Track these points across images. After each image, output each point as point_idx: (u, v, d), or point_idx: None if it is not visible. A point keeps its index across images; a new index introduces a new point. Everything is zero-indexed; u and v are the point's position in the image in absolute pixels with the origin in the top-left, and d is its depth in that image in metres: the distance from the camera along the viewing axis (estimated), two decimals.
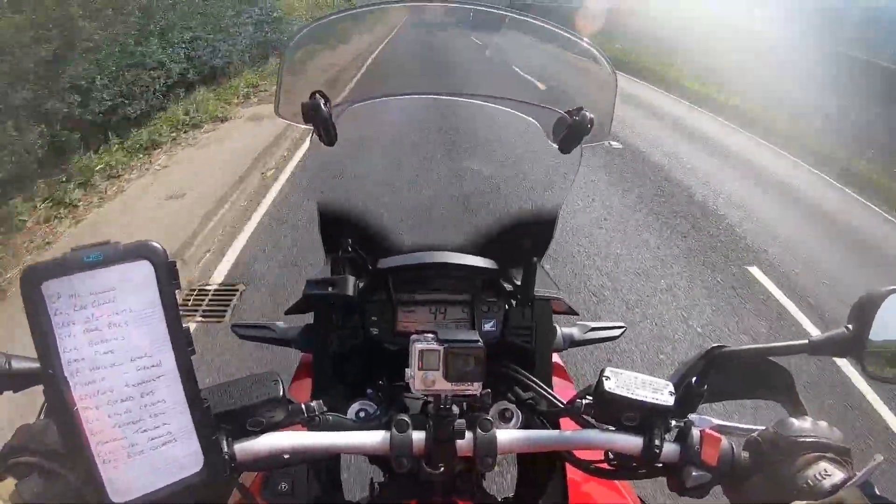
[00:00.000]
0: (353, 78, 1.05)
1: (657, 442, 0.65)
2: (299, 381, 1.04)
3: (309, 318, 0.94)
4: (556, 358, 1.06)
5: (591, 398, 0.69)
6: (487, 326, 0.90)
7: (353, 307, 0.87)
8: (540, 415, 0.79)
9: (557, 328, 0.97)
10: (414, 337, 0.66)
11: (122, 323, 0.52)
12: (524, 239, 0.93)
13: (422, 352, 0.65)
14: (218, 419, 0.60)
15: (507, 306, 0.91)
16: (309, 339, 0.94)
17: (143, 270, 0.52)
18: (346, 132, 0.84)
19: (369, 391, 0.80)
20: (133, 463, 0.54)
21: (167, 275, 0.52)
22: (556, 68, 1.05)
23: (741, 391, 0.81)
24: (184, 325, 0.53)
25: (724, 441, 0.65)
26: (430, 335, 0.66)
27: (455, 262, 0.90)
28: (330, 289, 0.84)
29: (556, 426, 0.78)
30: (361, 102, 0.90)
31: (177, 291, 0.53)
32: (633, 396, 0.66)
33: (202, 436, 0.56)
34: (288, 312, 0.95)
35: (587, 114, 0.83)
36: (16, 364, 0.64)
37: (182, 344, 0.54)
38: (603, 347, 3.00)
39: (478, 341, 0.65)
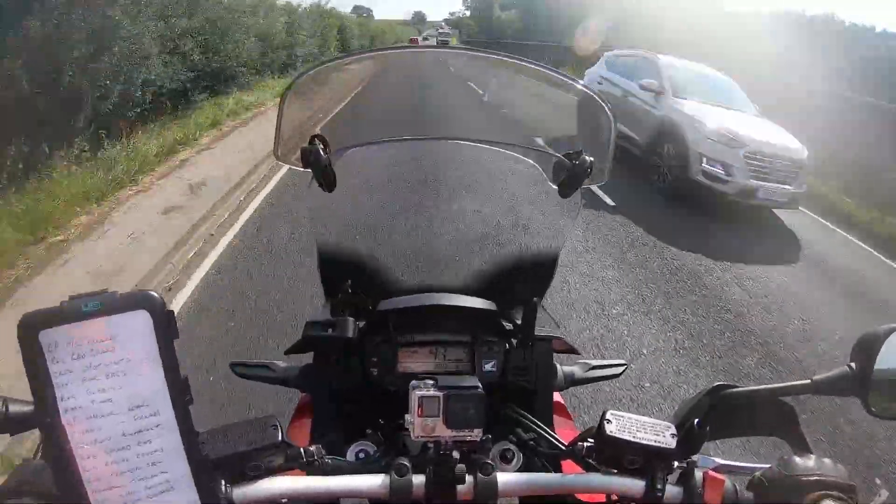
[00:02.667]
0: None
1: (659, 485, 0.64)
2: (299, 421, 1.03)
3: (308, 357, 0.94)
4: (557, 397, 1.05)
5: (592, 441, 0.68)
6: (488, 367, 0.89)
7: (352, 348, 0.87)
8: (541, 456, 0.78)
9: (558, 367, 0.96)
10: (413, 383, 0.66)
11: (120, 372, 0.52)
12: (524, 280, 0.94)
13: (421, 398, 0.64)
14: (216, 464, 0.59)
15: (507, 346, 0.90)
16: (309, 379, 0.94)
17: (140, 320, 0.52)
18: (346, 176, 0.85)
19: (369, 432, 0.79)
20: None
21: (165, 325, 0.52)
22: (554, 111, 1.06)
23: (745, 429, 0.80)
24: (182, 375, 0.53)
25: (728, 482, 0.64)
26: (430, 381, 0.66)
27: (454, 304, 0.90)
28: (330, 330, 0.83)
29: (558, 468, 0.77)
30: (360, 146, 0.90)
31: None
32: (635, 440, 0.65)
33: (200, 484, 0.55)
34: (288, 352, 0.95)
35: (587, 158, 0.83)
36: (13, 408, 0.63)
37: (180, 394, 0.53)
38: None
39: (477, 387, 0.65)
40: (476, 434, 0.65)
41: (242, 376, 0.98)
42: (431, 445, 0.66)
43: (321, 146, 0.81)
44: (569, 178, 0.86)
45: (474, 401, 0.65)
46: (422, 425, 0.65)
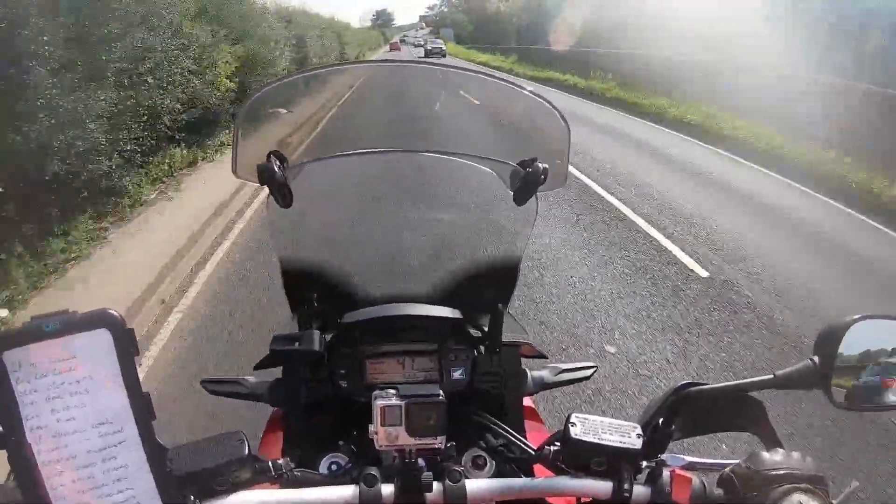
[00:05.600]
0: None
1: (626, 486, 0.65)
2: (270, 435, 1.03)
3: (279, 371, 0.94)
4: (528, 402, 1.06)
5: (559, 444, 0.69)
6: (456, 374, 0.90)
7: (320, 361, 0.88)
8: (512, 462, 0.79)
9: (527, 372, 0.97)
10: (376, 393, 0.67)
11: (84, 390, 0.53)
12: (488, 286, 0.95)
13: (383, 408, 0.65)
14: (183, 480, 0.60)
15: (475, 353, 0.91)
16: (279, 393, 0.94)
17: (102, 339, 0.52)
18: (304, 191, 0.86)
19: (341, 443, 0.80)
20: None
21: (126, 342, 0.53)
22: (509, 120, 1.08)
23: (713, 426, 0.81)
24: (143, 392, 0.54)
25: (696, 479, 0.65)
26: (392, 391, 0.67)
27: (420, 314, 0.91)
28: (296, 344, 0.84)
29: (530, 472, 0.78)
30: (318, 161, 0.91)
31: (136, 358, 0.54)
32: (600, 441, 0.66)
33: (166, 500, 0.56)
34: (257, 367, 0.95)
35: (540, 165, 0.85)
36: None
37: (142, 410, 0.54)
38: None
39: (439, 395, 0.66)
40: (440, 441, 0.66)
41: (213, 392, 0.98)
42: (396, 455, 0.67)
43: (277, 162, 0.82)
44: (522, 186, 0.87)
45: (435, 408, 0.65)
46: (385, 434, 0.65)
